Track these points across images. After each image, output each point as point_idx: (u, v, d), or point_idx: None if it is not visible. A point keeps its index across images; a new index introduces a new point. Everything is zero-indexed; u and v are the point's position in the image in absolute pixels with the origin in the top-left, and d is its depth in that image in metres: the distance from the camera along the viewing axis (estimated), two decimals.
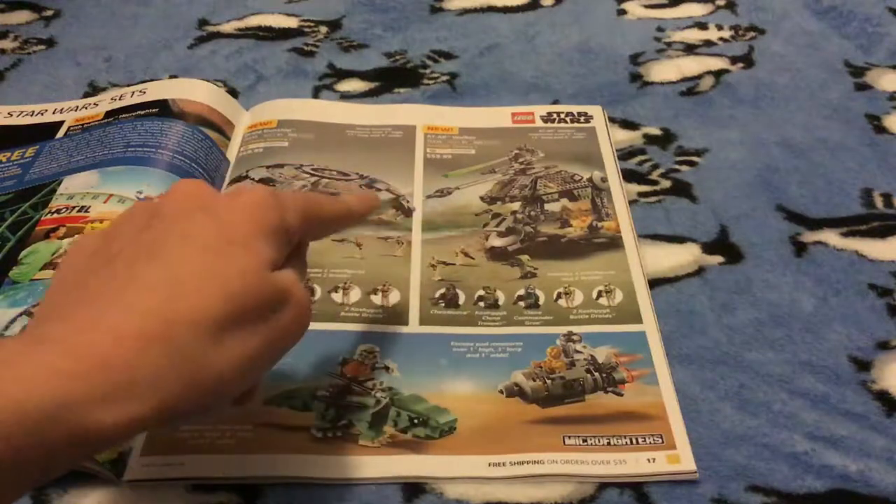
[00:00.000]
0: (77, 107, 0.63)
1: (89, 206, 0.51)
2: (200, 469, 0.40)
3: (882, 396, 0.44)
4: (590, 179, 0.57)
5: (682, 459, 0.40)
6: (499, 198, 0.56)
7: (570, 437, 0.41)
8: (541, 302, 0.49)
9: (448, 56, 0.71)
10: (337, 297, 0.49)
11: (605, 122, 0.62)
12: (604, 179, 0.56)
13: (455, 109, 0.64)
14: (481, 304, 0.49)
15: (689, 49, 0.71)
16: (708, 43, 0.71)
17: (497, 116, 0.63)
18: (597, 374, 0.44)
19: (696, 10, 0.76)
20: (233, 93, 0.66)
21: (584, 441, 0.41)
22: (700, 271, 0.51)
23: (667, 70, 0.68)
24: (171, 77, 0.69)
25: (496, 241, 0.53)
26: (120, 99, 0.62)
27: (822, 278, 0.50)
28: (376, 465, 0.41)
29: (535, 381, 0.44)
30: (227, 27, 0.76)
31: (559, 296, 0.49)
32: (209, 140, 0.58)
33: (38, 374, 0.27)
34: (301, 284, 0.34)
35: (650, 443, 0.41)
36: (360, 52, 0.72)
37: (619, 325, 0.47)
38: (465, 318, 0.48)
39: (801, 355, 0.46)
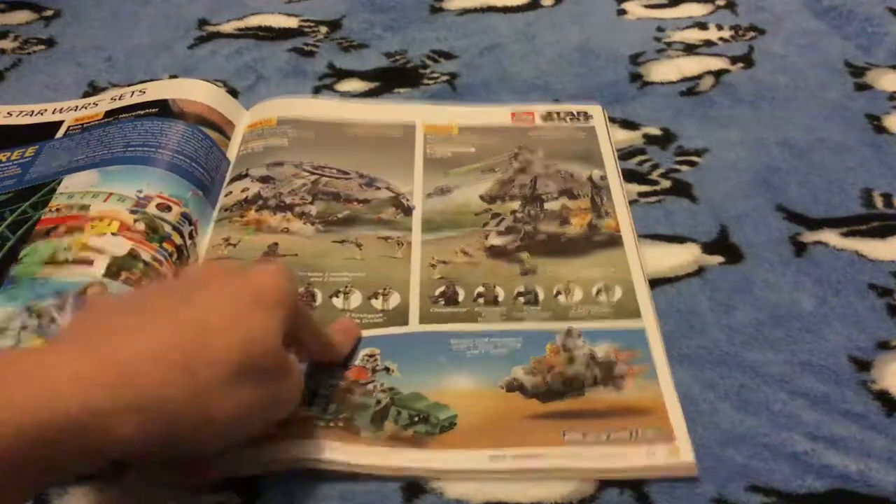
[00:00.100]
0: (77, 107, 0.63)
1: (89, 205, 0.51)
2: None
3: (882, 396, 0.44)
4: (589, 178, 0.57)
5: (681, 454, 0.40)
6: (498, 196, 0.56)
7: (569, 431, 0.41)
8: (540, 298, 0.49)
9: (448, 56, 0.71)
10: (338, 302, 0.49)
11: (605, 120, 0.62)
12: (603, 178, 0.57)
13: (455, 108, 0.64)
14: (481, 300, 0.49)
15: (689, 49, 0.71)
16: (708, 43, 0.72)
17: (497, 115, 0.63)
18: (596, 370, 0.44)
19: (696, 10, 0.76)
20: (233, 93, 0.66)
21: (584, 435, 0.41)
22: (700, 271, 0.51)
23: (667, 70, 0.68)
24: (171, 77, 0.69)
25: (496, 240, 0.53)
26: (120, 99, 0.62)
27: (822, 278, 0.50)
28: (377, 456, 0.41)
29: (534, 376, 0.44)
30: (227, 27, 0.76)
31: (558, 292, 0.49)
32: (209, 140, 0.58)
33: (65, 380, 0.29)
34: (299, 370, 0.38)
35: (650, 436, 0.41)
36: (360, 52, 0.72)
37: (619, 322, 0.47)
38: (465, 315, 0.48)
39: (801, 355, 0.46)
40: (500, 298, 0.49)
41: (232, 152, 0.60)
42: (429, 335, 0.47)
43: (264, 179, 0.56)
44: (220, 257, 0.51)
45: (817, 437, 0.42)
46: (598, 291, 0.49)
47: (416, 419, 0.42)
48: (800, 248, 0.52)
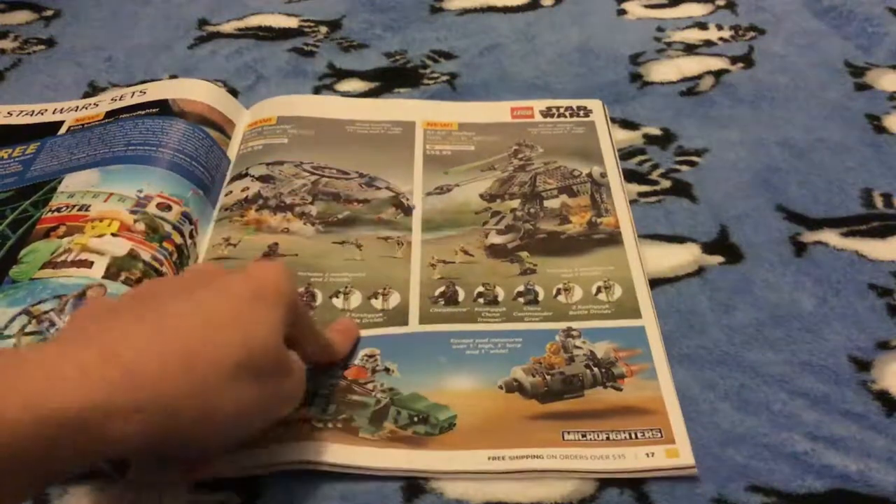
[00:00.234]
0: (77, 107, 0.63)
1: (89, 205, 0.51)
2: None
3: (882, 396, 0.44)
4: (589, 175, 0.57)
5: (680, 454, 0.40)
6: (498, 195, 0.56)
7: (569, 432, 0.41)
8: (540, 298, 0.49)
9: (448, 56, 0.71)
10: (338, 302, 0.49)
11: (605, 116, 0.62)
12: (603, 175, 0.56)
13: (454, 104, 0.64)
14: (481, 300, 0.49)
15: (689, 49, 0.71)
16: (708, 43, 0.72)
17: (496, 111, 0.63)
18: (596, 370, 0.44)
19: (696, 10, 0.76)
20: (233, 93, 0.66)
21: (583, 436, 0.41)
22: (700, 271, 0.51)
23: (667, 70, 0.68)
24: (171, 77, 0.69)
25: (496, 239, 0.53)
26: (120, 99, 0.62)
27: (822, 278, 0.50)
28: (376, 456, 0.41)
29: (534, 376, 0.44)
30: (227, 27, 0.76)
31: (558, 292, 0.49)
32: (210, 139, 0.58)
33: (67, 376, 0.29)
34: (301, 368, 0.38)
35: (649, 437, 0.41)
36: (360, 52, 0.72)
37: (619, 321, 0.47)
38: (465, 315, 0.48)
39: (801, 355, 0.46)
40: (500, 298, 0.49)
41: (232, 151, 0.60)
42: (429, 335, 0.47)
43: (264, 179, 0.56)
44: (220, 257, 0.51)
45: (817, 437, 0.42)
46: (598, 290, 0.49)
47: (416, 419, 0.42)
48: (800, 248, 0.52)
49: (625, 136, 0.62)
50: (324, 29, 0.75)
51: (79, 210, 0.50)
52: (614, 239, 0.52)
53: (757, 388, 0.44)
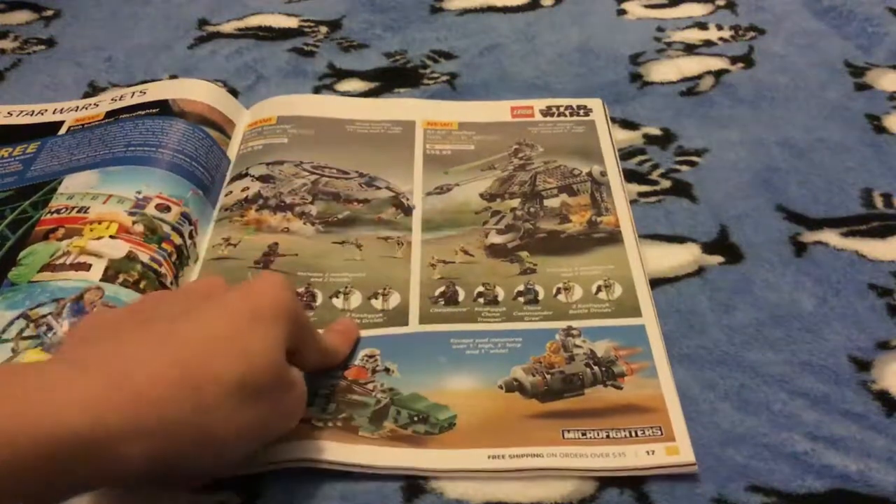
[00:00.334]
0: (77, 107, 0.63)
1: (89, 207, 0.51)
2: None
3: (882, 396, 0.44)
4: (589, 174, 0.57)
5: (680, 451, 0.40)
6: (498, 195, 0.56)
7: (569, 430, 0.41)
8: (540, 297, 0.49)
9: (448, 56, 0.71)
10: (338, 302, 0.49)
11: (605, 115, 0.62)
12: (603, 174, 0.56)
13: (454, 104, 0.64)
14: (481, 300, 0.49)
15: (689, 49, 0.71)
16: (708, 43, 0.71)
17: (496, 110, 0.63)
18: (596, 368, 0.44)
19: (696, 10, 0.76)
20: (233, 93, 0.66)
21: (584, 434, 0.41)
22: (700, 271, 0.51)
23: (667, 70, 0.68)
24: (171, 77, 0.69)
25: (496, 239, 0.53)
26: (120, 99, 0.62)
27: (822, 278, 0.50)
28: (375, 455, 0.41)
29: (534, 375, 0.44)
30: (227, 27, 0.76)
31: (558, 291, 0.49)
32: (210, 139, 0.58)
33: (77, 398, 0.29)
34: (303, 385, 0.38)
35: (649, 435, 0.41)
36: (360, 52, 0.72)
37: (619, 319, 0.47)
38: (465, 315, 0.48)
39: (801, 355, 0.46)
40: (500, 298, 0.49)
41: (232, 151, 0.60)
42: (429, 335, 0.47)
43: (264, 179, 0.56)
44: (220, 257, 0.51)
45: (817, 437, 0.42)
46: (598, 289, 0.49)
47: (416, 419, 0.42)
48: (800, 248, 0.52)
49: (625, 136, 0.62)
50: (324, 29, 0.75)
51: (78, 212, 0.50)
52: (614, 238, 0.52)
53: (757, 388, 0.44)
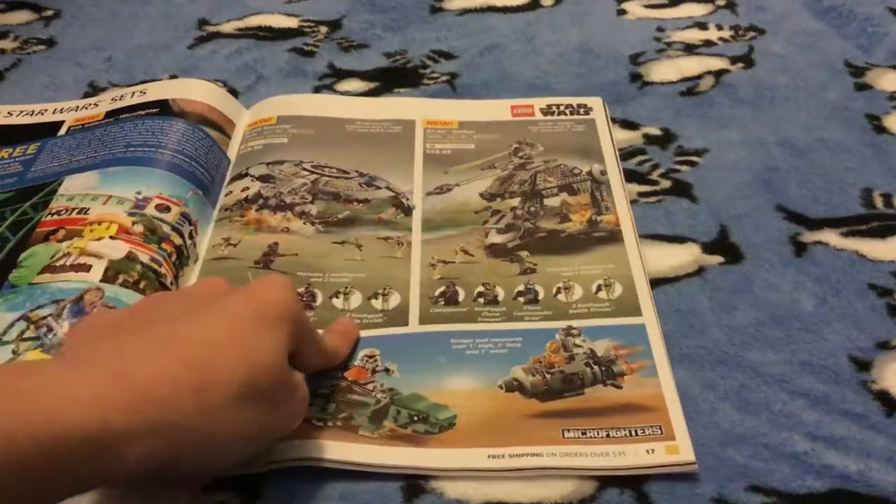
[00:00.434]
0: (77, 107, 0.63)
1: (88, 208, 0.51)
2: None
3: (882, 396, 0.44)
4: (589, 173, 0.57)
5: (680, 450, 0.40)
6: (498, 194, 0.56)
7: (568, 430, 0.41)
8: (540, 297, 0.49)
9: (448, 56, 0.71)
10: (338, 302, 0.49)
11: (606, 113, 0.62)
12: (603, 172, 0.57)
13: (454, 102, 0.64)
14: (481, 300, 0.49)
15: (689, 49, 0.71)
16: (708, 43, 0.71)
17: (496, 109, 0.63)
18: (596, 368, 0.44)
19: (696, 10, 0.76)
20: (233, 93, 0.66)
21: (583, 434, 0.41)
22: (700, 271, 0.51)
23: (667, 70, 0.68)
24: (172, 77, 0.69)
25: (496, 238, 0.53)
26: (120, 99, 0.62)
27: (822, 278, 0.50)
28: (375, 454, 0.41)
29: (534, 375, 0.44)
30: (227, 27, 0.76)
31: (558, 290, 0.49)
32: (210, 139, 0.58)
33: (85, 396, 0.29)
34: (304, 388, 0.38)
35: (649, 434, 0.41)
36: (360, 52, 0.72)
37: (619, 319, 0.47)
38: (465, 315, 0.48)
39: (801, 355, 0.46)
40: (500, 298, 0.49)
41: (232, 151, 0.60)
42: (429, 335, 0.47)
43: (264, 178, 0.56)
44: (220, 257, 0.51)
45: (817, 437, 0.42)
46: (599, 288, 0.49)
47: (416, 419, 0.42)
48: (800, 248, 0.52)
49: (625, 136, 0.62)
50: (324, 29, 0.75)
51: (78, 213, 0.50)
52: (614, 237, 0.52)
53: (757, 388, 0.44)
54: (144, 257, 0.48)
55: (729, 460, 0.41)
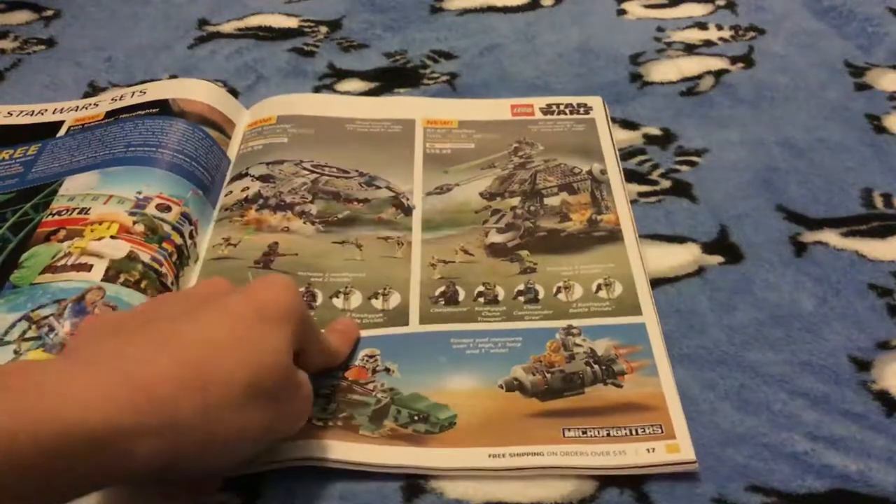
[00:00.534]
0: (77, 107, 0.63)
1: (89, 208, 0.51)
2: None
3: (882, 396, 0.44)
4: (589, 172, 0.57)
5: (681, 449, 0.40)
6: (498, 193, 0.56)
7: (569, 429, 0.41)
8: (540, 296, 0.49)
9: (448, 56, 0.71)
10: (338, 302, 0.49)
11: (605, 113, 0.62)
12: (603, 172, 0.57)
13: (454, 102, 0.64)
14: (481, 299, 0.49)
15: (689, 49, 0.71)
16: (708, 43, 0.72)
17: (496, 109, 0.63)
18: (596, 367, 0.44)
19: (696, 10, 0.76)
20: (233, 93, 0.66)
21: (584, 433, 0.41)
22: (700, 271, 0.51)
23: (667, 70, 0.68)
24: (172, 77, 0.69)
25: (496, 238, 0.53)
26: (120, 99, 0.62)
27: (822, 278, 0.50)
28: (376, 453, 0.41)
29: (534, 375, 0.44)
30: (227, 27, 0.76)
31: (559, 290, 0.49)
32: (210, 139, 0.58)
33: (93, 395, 0.29)
34: (309, 386, 0.37)
35: (649, 433, 0.41)
36: (360, 52, 0.72)
37: (619, 318, 0.47)
38: (465, 315, 0.48)
39: (801, 355, 0.46)
40: (501, 297, 0.49)
41: (232, 151, 0.60)
42: (429, 335, 0.47)
43: (264, 178, 0.56)
44: (220, 257, 0.51)
45: (817, 437, 0.42)
46: (599, 287, 0.49)
47: (416, 418, 0.42)
48: (800, 248, 0.52)
49: (625, 136, 0.62)
50: (324, 29, 0.75)
51: (79, 213, 0.50)
52: (615, 236, 0.52)
53: (757, 388, 0.44)
54: (145, 257, 0.48)
55: (729, 460, 0.41)
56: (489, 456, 0.40)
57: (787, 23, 0.73)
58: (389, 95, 0.67)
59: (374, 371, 0.45)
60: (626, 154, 0.60)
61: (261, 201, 0.55)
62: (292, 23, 0.76)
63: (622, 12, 0.76)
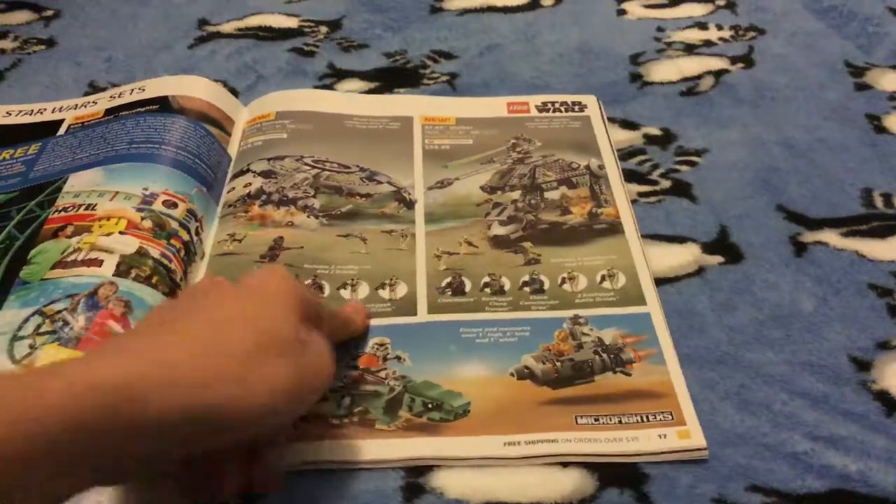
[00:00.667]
0: (76, 105, 0.63)
1: (96, 204, 0.51)
2: None
3: (882, 396, 0.44)
4: (587, 167, 0.57)
5: (692, 435, 0.41)
6: (498, 187, 0.56)
7: (582, 416, 0.42)
8: (546, 287, 0.49)
9: (448, 56, 0.71)
10: (345, 293, 0.49)
11: (601, 110, 0.62)
12: (601, 167, 0.57)
13: (451, 99, 0.65)
14: (487, 290, 0.49)
15: (689, 49, 0.71)
16: (708, 43, 0.72)
17: (493, 106, 0.63)
18: (604, 356, 0.45)
19: (696, 10, 0.76)
20: (233, 93, 0.66)
21: (596, 420, 0.42)
22: (700, 271, 0.51)
23: (667, 70, 0.68)
24: None
25: (498, 230, 0.53)
26: (119, 97, 0.62)
27: (822, 278, 0.50)
28: (393, 447, 0.41)
29: (544, 363, 0.45)
30: (227, 27, 0.76)
31: (563, 280, 0.49)
32: (211, 136, 0.58)
33: (116, 357, 0.32)
34: (324, 342, 0.38)
35: (660, 419, 0.42)
36: (360, 52, 0.72)
37: (624, 308, 0.48)
38: (472, 305, 0.48)
39: (801, 355, 0.46)
40: (507, 288, 0.49)
41: (232, 148, 0.60)
42: (438, 324, 0.47)
43: (266, 174, 0.56)
44: (225, 253, 0.51)
45: (817, 437, 0.42)
46: (602, 278, 0.49)
47: (430, 406, 0.43)
48: (800, 248, 0.52)
49: (625, 136, 0.62)
50: (324, 29, 0.75)
51: (85, 209, 0.51)
52: (615, 229, 0.53)
53: (757, 388, 0.44)
54: (155, 252, 0.48)
55: (729, 460, 0.41)
56: (504, 444, 0.41)
57: (786, 23, 0.73)
58: (389, 95, 0.67)
59: (385, 359, 0.45)
60: (626, 154, 0.60)
61: (264, 197, 0.55)
62: (292, 23, 0.76)
63: (622, 12, 0.76)
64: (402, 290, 0.49)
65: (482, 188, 0.56)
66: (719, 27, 0.73)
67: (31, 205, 0.52)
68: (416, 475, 0.41)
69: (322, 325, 0.40)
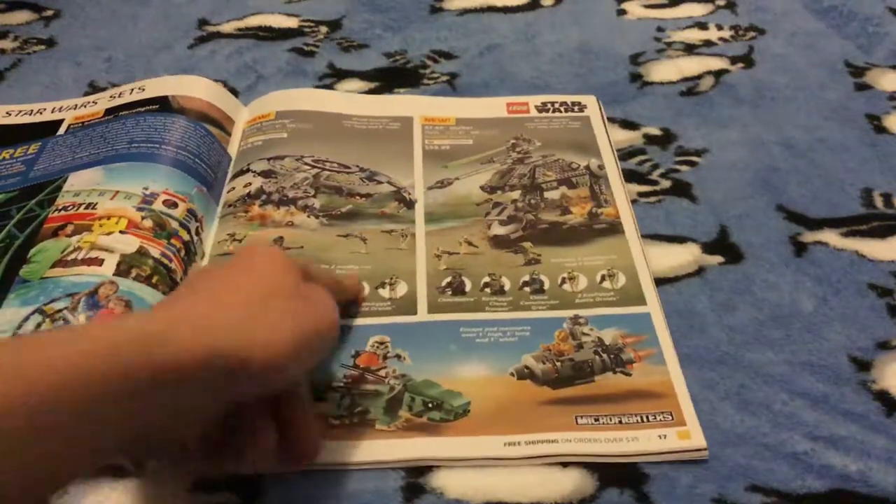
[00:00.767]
0: (76, 105, 0.63)
1: (96, 203, 0.51)
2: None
3: (882, 396, 0.44)
4: (587, 167, 0.57)
5: (692, 436, 0.41)
6: (498, 187, 0.56)
7: (582, 416, 0.42)
8: (546, 287, 0.49)
9: (448, 56, 0.71)
10: None
11: (600, 110, 0.62)
12: (601, 167, 0.57)
13: (451, 100, 0.65)
14: (487, 290, 0.49)
15: (689, 49, 0.71)
16: (708, 43, 0.72)
17: (493, 106, 0.63)
18: (605, 356, 0.45)
19: (696, 10, 0.76)
20: (233, 93, 0.66)
21: (596, 420, 0.42)
22: (700, 271, 0.51)
23: (667, 70, 0.68)
24: None
25: (498, 230, 0.53)
26: (119, 96, 0.62)
27: (822, 278, 0.50)
28: (393, 448, 0.41)
29: (544, 363, 0.45)
30: (227, 27, 0.76)
31: (563, 281, 0.49)
32: (211, 136, 0.58)
33: (143, 317, 0.35)
34: (324, 291, 0.40)
35: (660, 420, 0.42)
36: (360, 52, 0.72)
37: (624, 308, 0.48)
38: (473, 305, 0.48)
39: (801, 355, 0.46)
40: (507, 288, 0.49)
41: (232, 148, 0.60)
42: (438, 324, 0.47)
43: (266, 174, 0.56)
44: (225, 253, 0.51)
45: (817, 437, 0.42)
46: (602, 278, 0.49)
47: (431, 405, 0.43)
48: (800, 248, 0.52)
49: (625, 136, 0.62)
50: (324, 29, 0.75)
51: (85, 208, 0.51)
52: (615, 229, 0.53)
53: (757, 388, 0.44)
54: (155, 252, 0.48)
55: (729, 460, 0.41)
56: (505, 444, 0.41)
57: (786, 23, 0.73)
58: (389, 95, 0.67)
59: (386, 357, 0.45)
60: (626, 154, 0.60)
61: (264, 197, 0.55)
62: (292, 23, 0.76)
63: (622, 12, 0.76)
64: (402, 289, 0.49)
65: (482, 188, 0.56)
66: (719, 27, 0.73)
67: (31, 204, 0.52)
68: (416, 475, 0.41)
69: (314, 275, 0.41)
